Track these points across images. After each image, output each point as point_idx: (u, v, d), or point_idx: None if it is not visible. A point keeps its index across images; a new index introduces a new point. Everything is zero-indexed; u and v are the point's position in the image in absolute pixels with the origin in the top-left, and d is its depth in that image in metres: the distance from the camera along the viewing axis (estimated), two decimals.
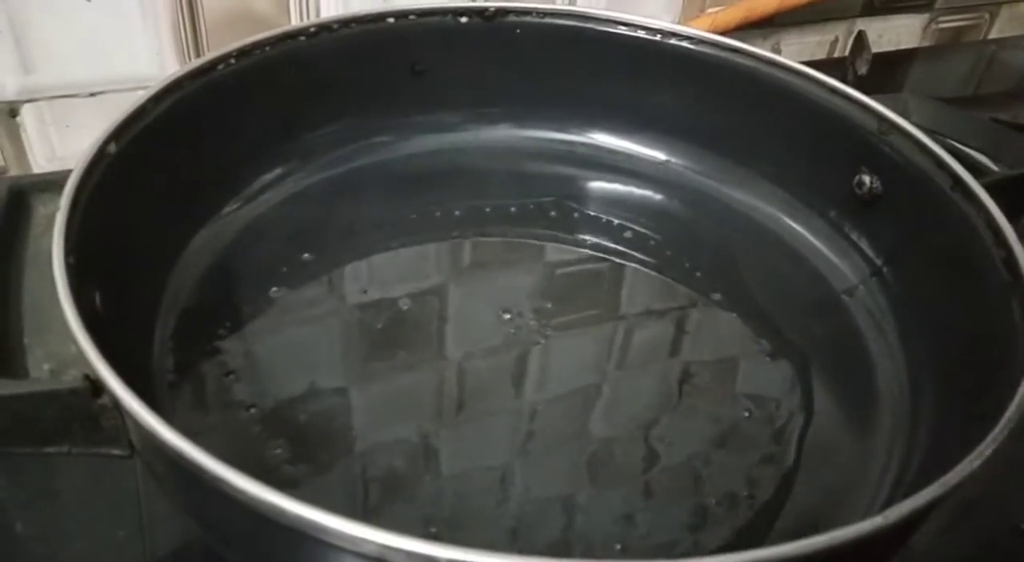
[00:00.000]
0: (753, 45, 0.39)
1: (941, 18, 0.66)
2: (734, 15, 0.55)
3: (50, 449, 0.24)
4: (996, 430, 0.21)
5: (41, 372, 0.24)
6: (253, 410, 0.30)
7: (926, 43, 0.67)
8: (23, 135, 0.44)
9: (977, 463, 0.21)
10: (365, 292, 0.35)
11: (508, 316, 0.35)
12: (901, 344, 0.34)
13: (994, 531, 0.31)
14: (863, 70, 0.54)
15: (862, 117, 0.36)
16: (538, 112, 0.42)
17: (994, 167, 0.41)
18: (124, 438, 0.24)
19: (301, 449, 0.29)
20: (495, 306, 0.35)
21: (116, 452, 0.24)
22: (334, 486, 0.28)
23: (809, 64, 0.38)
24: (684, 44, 0.40)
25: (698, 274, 0.37)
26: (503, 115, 0.42)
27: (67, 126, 0.45)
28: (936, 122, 0.43)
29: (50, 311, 0.23)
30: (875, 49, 0.59)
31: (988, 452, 0.21)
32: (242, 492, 0.19)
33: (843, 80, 0.37)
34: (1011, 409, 0.22)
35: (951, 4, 0.66)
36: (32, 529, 0.31)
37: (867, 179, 0.36)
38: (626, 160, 0.43)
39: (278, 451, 0.29)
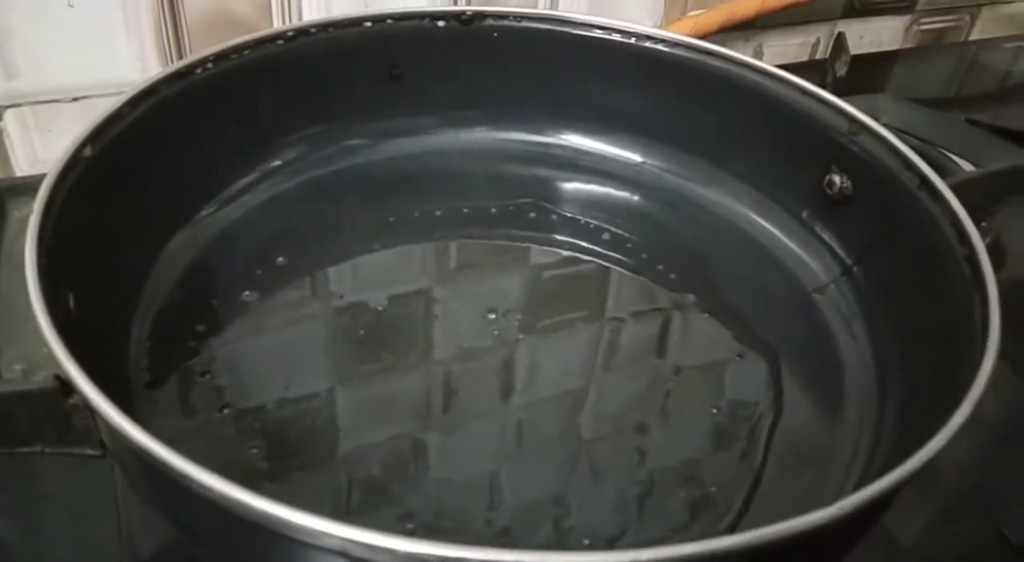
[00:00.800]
0: (735, 48, 0.40)
1: (923, 20, 0.67)
2: (716, 18, 0.56)
3: (23, 449, 0.24)
4: (948, 427, 0.22)
5: (13, 373, 0.24)
6: (227, 411, 0.30)
7: (908, 45, 0.67)
8: (6, 140, 0.45)
9: (927, 458, 0.21)
10: (345, 295, 0.36)
11: (492, 317, 0.35)
12: (869, 341, 0.34)
13: (978, 535, 0.32)
14: (842, 72, 0.55)
15: (833, 118, 0.37)
16: (515, 115, 0.43)
17: (967, 167, 0.41)
18: (96, 438, 0.24)
19: (278, 451, 0.29)
20: (477, 308, 0.35)
21: (88, 452, 0.24)
22: (313, 488, 0.29)
23: (790, 66, 0.39)
24: (659, 47, 0.40)
25: (673, 275, 0.38)
26: (480, 118, 0.43)
27: (50, 131, 0.45)
28: (909, 123, 0.44)
29: (23, 312, 0.24)
30: (857, 51, 0.60)
31: (939, 447, 0.22)
32: (209, 489, 0.20)
33: (823, 82, 0.37)
34: (964, 405, 0.23)
35: (932, 6, 0.66)
36: (11, 533, 0.31)
37: (837, 179, 0.37)
38: (602, 162, 0.43)
39: (254, 451, 0.29)
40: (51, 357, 0.22)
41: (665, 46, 0.40)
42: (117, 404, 0.21)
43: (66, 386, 0.23)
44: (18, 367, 0.24)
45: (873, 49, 0.66)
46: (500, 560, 0.19)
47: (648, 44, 0.40)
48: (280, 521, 0.19)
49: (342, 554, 0.19)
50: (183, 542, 0.27)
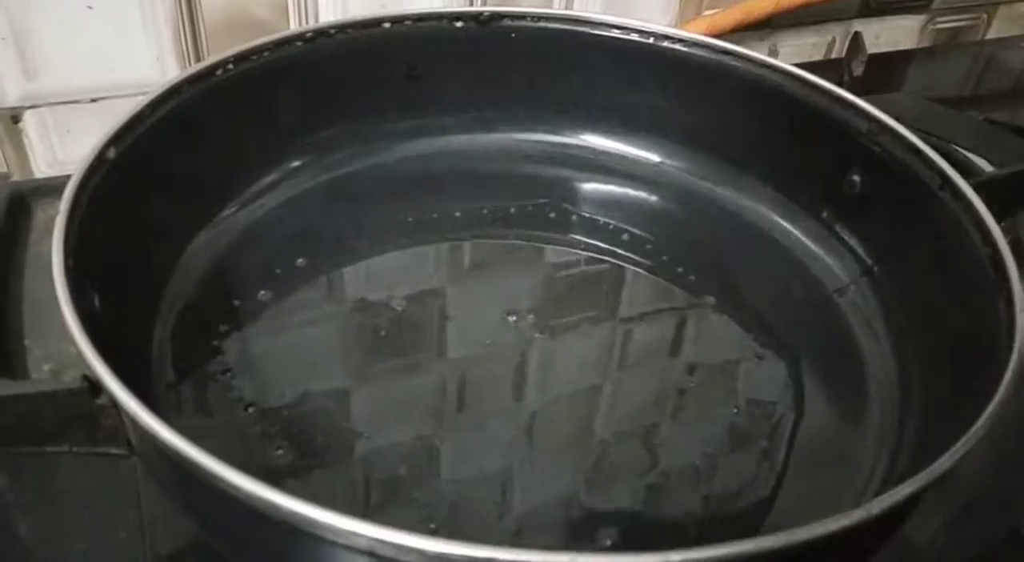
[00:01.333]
0: (750, 47, 0.40)
1: (938, 19, 0.67)
2: (731, 17, 0.55)
3: (51, 448, 0.24)
4: (975, 428, 0.22)
5: (41, 373, 0.25)
6: (252, 409, 0.30)
7: (924, 44, 0.67)
8: (25, 140, 0.45)
9: (955, 459, 0.21)
10: (364, 294, 0.36)
11: (509, 317, 0.35)
12: (890, 342, 0.34)
13: (993, 534, 0.32)
14: (859, 71, 0.54)
15: (853, 118, 0.36)
16: (533, 115, 0.43)
17: (987, 167, 0.41)
18: (123, 437, 0.24)
19: (299, 449, 0.29)
20: (495, 307, 0.36)
21: (115, 451, 0.24)
22: (333, 486, 0.29)
23: (805, 66, 0.39)
24: (677, 47, 0.40)
25: (691, 276, 0.38)
26: (498, 118, 0.43)
27: (69, 132, 0.45)
28: (928, 123, 0.44)
29: (50, 313, 0.24)
30: (872, 50, 0.60)
31: (967, 449, 0.22)
32: (237, 488, 0.20)
33: (839, 81, 0.37)
34: (991, 407, 0.23)
35: (948, 4, 0.66)
36: (34, 531, 0.31)
37: (858, 179, 0.36)
38: (620, 162, 0.43)
39: (279, 452, 0.29)
40: (79, 357, 0.22)
41: (683, 46, 0.40)
42: (142, 403, 0.21)
43: (94, 386, 0.23)
44: (46, 367, 0.25)
45: (889, 48, 0.65)
46: (528, 561, 0.19)
47: (666, 44, 0.40)
48: (308, 520, 0.19)
49: (369, 553, 0.20)
50: (208, 540, 0.27)
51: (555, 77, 0.42)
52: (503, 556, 0.18)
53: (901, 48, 0.66)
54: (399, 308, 0.35)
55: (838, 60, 0.57)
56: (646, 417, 0.32)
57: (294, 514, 0.19)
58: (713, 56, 0.40)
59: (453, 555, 0.19)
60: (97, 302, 0.27)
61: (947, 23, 0.67)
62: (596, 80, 0.42)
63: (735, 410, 0.32)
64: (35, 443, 0.24)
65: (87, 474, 0.32)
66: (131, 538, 0.30)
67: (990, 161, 0.42)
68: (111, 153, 0.30)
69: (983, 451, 0.33)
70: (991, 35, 0.69)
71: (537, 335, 0.35)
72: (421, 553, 0.19)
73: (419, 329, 0.34)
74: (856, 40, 0.55)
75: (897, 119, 0.35)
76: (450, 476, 0.29)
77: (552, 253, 0.39)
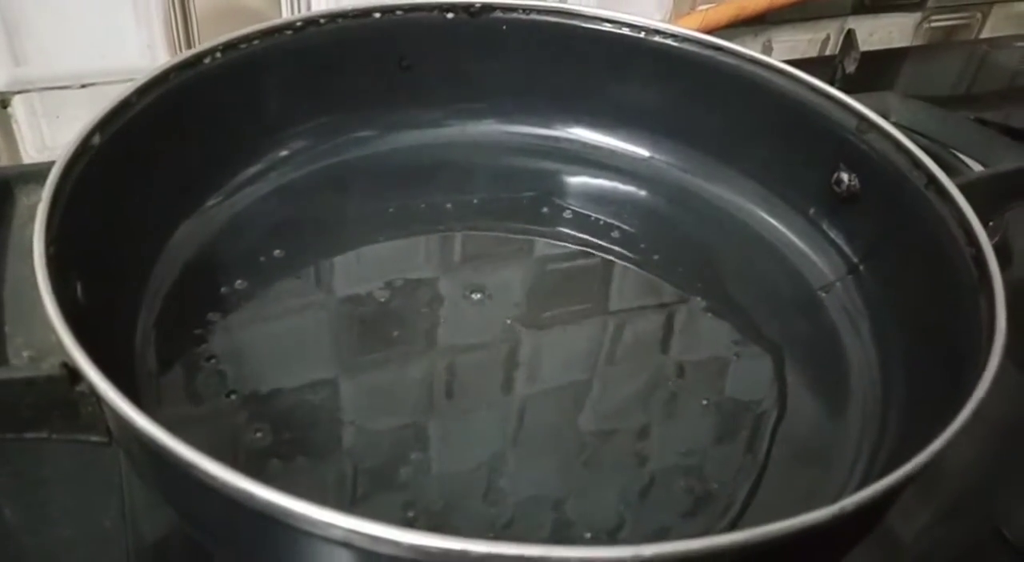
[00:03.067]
0: (744, 43, 0.40)
1: (933, 17, 0.67)
2: (725, 12, 0.55)
3: (30, 435, 0.24)
4: (952, 426, 0.22)
5: (21, 359, 0.25)
6: (233, 397, 0.30)
7: (918, 42, 0.67)
8: (14, 126, 0.45)
9: (931, 456, 0.21)
10: (351, 284, 0.36)
11: (496, 309, 0.35)
12: (874, 339, 0.34)
13: (977, 533, 0.32)
14: (851, 69, 0.54)
15: (842, 115, 0.36)
16: (523, 108, 0.43)
17: (976, 167, 0.41)
18: (102, 425, 0.24)
19: (284, 437, 0.29)
20: (482, 299, 0.36)
21: (94, 438, 0.24)
22: (318, 476, 0.29)
23: (799, 62, 0.39)
24: (668, 42, 0.40)
25: (678, 270, 0.38)
26: (488, 110, 0.43)
27: (58, 117, 0.45)
28: (918, 122, 0.44)
29: (31, 300, 0.24)
30: (866, 48, 0.59)
31: (943, 445, 0.22)
32: (214, 478, 0.20)
33: (832, 79, 0.37)
34: (969, 404, 0.23)
35: (943, 3, 0.66)
36: (19, 517, 0.31)
37: (845, 177, 0.37)
38: (610, 156, 0.43)
39: (259, 435, 0.29)
40: (59, 344, 0.22)
41: (674, 41, 0.40)
42: (123, 391, 0.21)
43: (73, 373, 0.23)
44: (26, 354, 0.24)
45: (883, 46, 0.65)
46: (502, 553, 0.19)
47: (657, 38, 0.40)
48: (284, 510, 0.19)
49: (346, 545, 0.20)
50: (187, 529, 0.27)
51: (546, 70, 0.42)
52: (476, 548, 0.18)
53: (895, 46, 0.66)
54: (384, 299, 0.35)
55: (832, 57, 0.57)
56: (632, 411, 0.32)
57: (270, 504, 0.19)
58: (704, 52, 0.40)
59: (428, 547, 0.19)
60: (80, 290, 0.26)
61: (941, 21, 0.67)
62: (587, 74, 0.42)
63: (718, 406, 0.32)
64: (14, 429, 0.24)
65: (71, 461, 0.32)
66: (115, 526, 0.30)
67: (980, 162, 0.42)
68: (96, 140, 0.29)
69: (968, 449, 0.34)
70: (986, 34, 0.69)
71: (524, 327, 0.35)
72: (396, 544, 0.19)
73: (405, 320, 0.34)
74: (849, 38, 0.55)
75: (887, 117, 0.35)
76: (437, 467, 0.29)
77: (539, 246, 0.39)
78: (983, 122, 0.48)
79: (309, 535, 0.20)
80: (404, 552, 0.19)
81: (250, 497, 0.20)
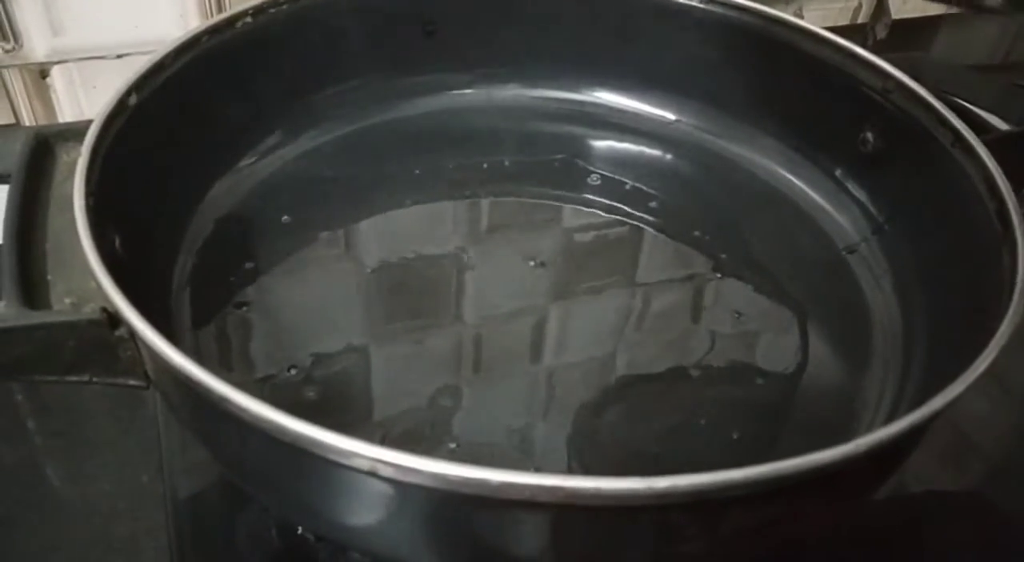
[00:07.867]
0: (774, 9, 0.40)
1: None
2: None
3: (71, 378, 0.25)
4: (966, 374, 0.22)
5: (63, 305, 0.26)
6: (268, 353, 0.31)
7: (953, 10, 0.66)
8: (52, 96, 0.46)
9: (948, 400, 0.22)
10: (377, 249, 0.36)
11: (523, 275, 0.36)
12: (898, 299, 0.34)
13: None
14: (883, 34, 0.54)
15: (867, 75, 0.36)
16: (548, 72, 0.43)
17: (1004, 127, 0.41)
18: (140, 369, 0.25)
19: (318, 392, 0.30)
20: (509, 265, 0.36)
21: (132, 382, 0.25)
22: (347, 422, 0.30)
23: (830, 30, 0.39)
24: (694, 3, 0.40)
25: (704, 233, 0.38)
26: (513, 75, 0.43)
27: (94, 87, 0.46)
28: (948, 83, 0.43)
29: (72, 250, 0.25)
30: (901, 15, 0.59)
31: (962, 389, 0.22)
32: (246, 411, 0.21)
33: (863, 45, 0.37)
34: (988, 349, 0.23)
35: None
36: (60, 472, 0.33)
37: (871, 137, 0.36)
38: (635, 120, 0.43)
39: (301, 393, 0.30)
40: (99, 291, 0.23)
41: (699, 2, 0.40)
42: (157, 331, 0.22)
43: (112, 318, 0.24)
44: (68, 300, 0.25)
45: (917, 14, 0.64)
46: (519, 483, 0.19)
47: (684, 0, 0.40)
48: (314, 441, 0.20)
49: (374, 475, 0.20)
50: (223, 469, 0.28)
51: (571, 34, 0.42)
52: (496, 477, 0.19)
53: (930, 14, 0.65)
54: (417, 263, 0.35)
55: (863, 25, 0.57)
56: (656, 366, 0.33)
57: (301, 436, 0.20)
58: (729, 13, 0.40)
59: (450, 476, 0.19)
60: (118, 243, 0.27)
61: None
62: (611, 37, 0.42)
63: (744, 364, 0.33)
64: (57, 372, 0.25)
65: (110, 422, 0.34)
66: (152, 481, 0.32)
67: (1007, 121, 0.41)
68: (132, 99, 0.30)
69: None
70: None
71: (551, 294, 0.35)
72: (419, 472, 0.20)
73: (432, 286, 0.35)
74: (880, 4, 0.55)
75: (915, 78, 0.35)
76: (465, 434, 0.30)
77: (566, 212, 0.39)
78: (1020, 87, 0.47)
79: (339, 466, 0.21)
80: (426, 480, 0.20)
81: (282, 430, 0.20)
